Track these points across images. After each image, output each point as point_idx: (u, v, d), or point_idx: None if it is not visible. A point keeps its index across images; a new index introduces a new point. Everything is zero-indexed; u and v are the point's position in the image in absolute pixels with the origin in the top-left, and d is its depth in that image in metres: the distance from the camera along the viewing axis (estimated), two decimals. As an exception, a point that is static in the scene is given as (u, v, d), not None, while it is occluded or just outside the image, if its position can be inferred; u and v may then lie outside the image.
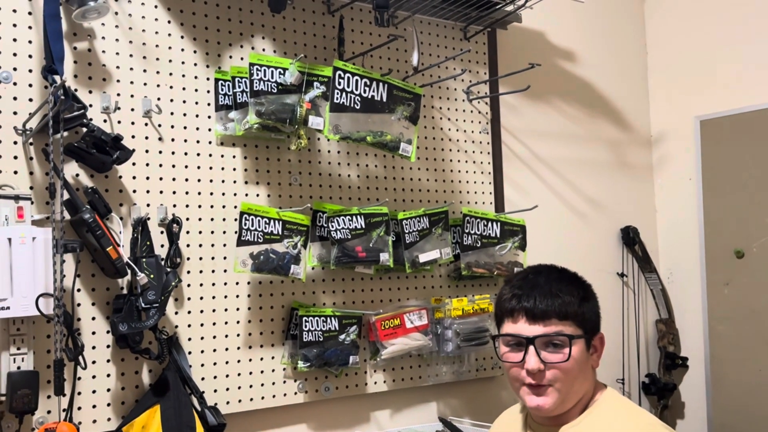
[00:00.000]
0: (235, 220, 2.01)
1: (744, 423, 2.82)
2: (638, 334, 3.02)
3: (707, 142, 2.98)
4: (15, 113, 1.74)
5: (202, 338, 1.96)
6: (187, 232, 1.96)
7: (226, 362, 1.99)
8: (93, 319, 1.81)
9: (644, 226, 3.07)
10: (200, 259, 1.97)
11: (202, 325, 1.96)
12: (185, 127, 1.98)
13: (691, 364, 3.01)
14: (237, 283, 2.03)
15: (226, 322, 2.00)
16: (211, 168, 2.01)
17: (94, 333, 1.81)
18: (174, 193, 1.94)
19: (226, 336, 2.00)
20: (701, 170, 2.98)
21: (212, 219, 2.00)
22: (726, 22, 2.95)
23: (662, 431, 1.39)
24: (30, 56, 1.77)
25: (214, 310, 1.98)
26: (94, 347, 1.80)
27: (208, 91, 2.02)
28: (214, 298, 1.99)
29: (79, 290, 1.78)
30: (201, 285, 1.97)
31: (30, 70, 1.77)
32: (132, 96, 1.90)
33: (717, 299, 2.92)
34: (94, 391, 1.80)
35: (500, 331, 1.50)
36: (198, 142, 1.99)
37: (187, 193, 1.96)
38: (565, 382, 1.42)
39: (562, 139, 2.86)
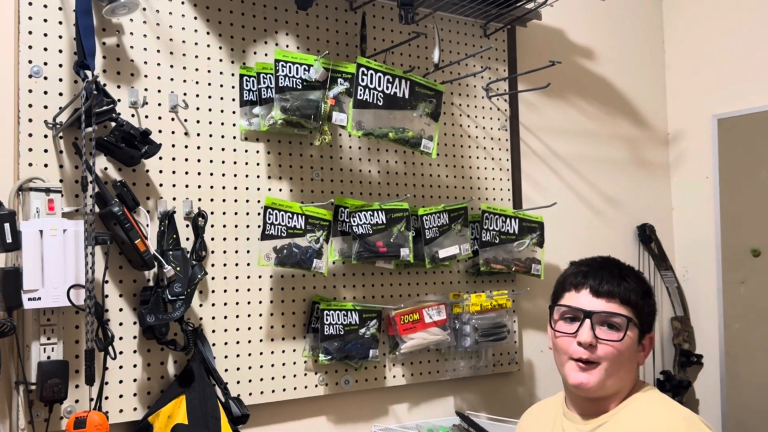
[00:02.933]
0: (259, 214, 2.04)
1: (758, 420, 2.83)
2: (653, 332, 3.03)
3: (724, 141, 2.98)
4: (45, 107, 1.77)
5: (225, 330, 1.99)
6: (212, 226, 1.98)
7: (249, 354, 2.02)
8: (120, 310, 1.84)
9: (661, 223, 3.08)
10: (224, 252, 2.00)
11: (225, 317, 1.99)
12: (210, 122, 2.01)
13: (706, 362, 3.02)
14: (260, 277, 2.06)
15: (249, 315, 2.03)
16: (235, 163, 2.04)
17: (121, 324, 1.84)
18: (199, 187, 1.97)
19: (249, 328, 2.03)
20: (718, 169, 2.99)
21: (236, 213, 2.03)
22: (744, 20, 2.95)
23: (700, 424, 1.40)
24: (60, 51, 1.80)
25: (237, 303, 2.01)
26: (121, 338, 1.83)
27: (233, 87, 2.05)
28: (237, 291, 2.02)
29: (107, 282, 1.81)
30: (225, 278, 2.00)
31: (60, 65, 1.79)
32: (159, 91, 1.93)
33: (733, 297, 2.93)
34: (120, 381, 1.83)
35: (558, 303, 1.54)
36: (223, 137, 2.02)
37: (212, 187, 1.99)
38: (614, 362, 1.43)
39: (579, 137, 2.88)
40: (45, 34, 1.78)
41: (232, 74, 2.05)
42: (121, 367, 1.83)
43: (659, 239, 3.04)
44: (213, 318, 1.97)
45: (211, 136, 2.00)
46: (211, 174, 1.99)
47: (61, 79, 1.79)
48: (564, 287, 1.54)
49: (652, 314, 1.54)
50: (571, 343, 1.46)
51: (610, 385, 1.46)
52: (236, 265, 2.02)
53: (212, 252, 1.98)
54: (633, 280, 1.50)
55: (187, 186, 1.95)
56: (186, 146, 1.96)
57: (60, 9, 1.80)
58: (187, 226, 1.94)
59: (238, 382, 1.99)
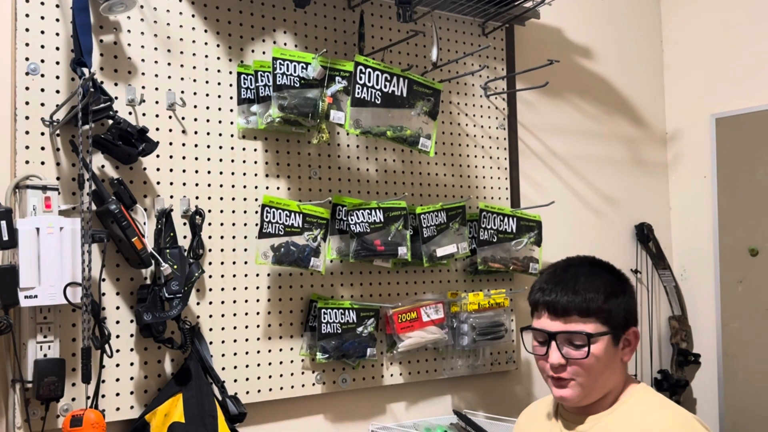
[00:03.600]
0: (256, 212, 2.03)
1: (756, 420, 2.83)
2: (651, 331, 3.04)
3: (722, 140, 2.98)
4: (42, 105, 1.76)
5: (223, 329, 1.98)
6: (209, 224, 1.98)
7: (246, 353, 2.02)
8: (117, 308, 1.83)
9: (658, 223, 3.08)
10: (222, 250, 2.00)
11: (223, 315, 1.99)
12: (208, 120, 2.00)
13: (704, 361, 3.02)
14: (257, 275, 2.05)
15: (246, 313, 2.03)
16: (233, 161, 2.03)
17: (118, 322, 1.83)
18: (197, 185, 1.97)
19: (247, 327, 2.03)
20: (716, 168, 2.99)
21: (234, 211, 2.03)
22: (742, 19, 2.96)
23: (696, 424, 1.40)
24: (57, 48, 1.79)
25: (234, 301, 2.01)
26: (118, 336, 1.82)
27: (231, 85, 2.04)
28: (235, 289, 2.01)
29: (104, 280, 1.81)
30: (222, 276, 1.99)
31: (57, 63, 1.79)
32: (156, 89, 1.92)
33: (730, 297, 2.93)
34: (117, 380, 1.82)
35: (525, 328, 1.53)
36: (220, 135, 2.02)
37: (209, 185, 1.99)
38: (587, 377, 1.44)
39: (577, 136, 2.88)
40: (42, 32, 1.78)
41: (230, 72, 2.04)
42: (117, 365, 1.82)
43: (657, 238, 3.04)
44: (210, 316, 1.97)
45: (208, 134, 2.00)
46: (209, 172, 1.99)
47: (58, 77, 1.79)
48: (531, 306, 1.53)
49: (628, 311, 1.48)
50: (546, 363, 1.47)
51: (594, 393, 1.46)
52: (233, 263, 2.01)
53: (209, 250, 1.98)
54: (591, 289, 1.45)
55: (184, 184, 1.95)
56: (183, 144, 1.96)
57: (57, 6, 1.80)
58: (185, 224, 1.94)
59: (236, 381, 1.99)
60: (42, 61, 1.77)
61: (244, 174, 2.05)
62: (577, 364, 1.43)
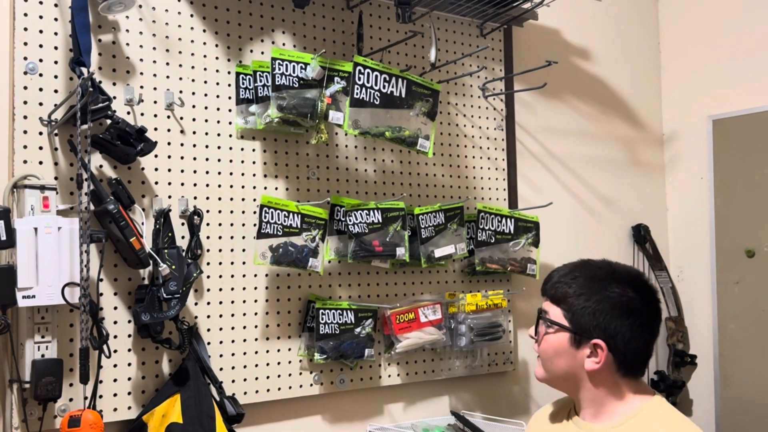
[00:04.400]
0: (255, 212, 2.03)
1: (752, 421, 2.84)
2: (648, 332, 3.04)
3: (719, 142, 2.99)
4: (40, 104, 1.76)
5: (220, 329, 1.98)
6: (207, 224, 1.98)
7: (244, 353, 2.01)
8: (115, 308, 1.83)
9: (655, 224, 3.09)
10: (220, 251, 1.99)
11: (221, 316, 1.98)
12: (206, 120, 2.00)
13: (700, 362, 3.03)
14: (255, 276, 2.05)
15: (244, 314, 2.02)
16: (231, 161, 2.03)
17: (115, 322, 1.83)
18: (195, 185, 1.96)
19: (245, 327, 2.02)
20: (713, 169, 3.00)
21: (232, 211, 2.02)
22: (740, 21, 2.96)
23: None
24: (56, 48, 1.79)
25: (232, 302, 2.01)
26: (115, 336, 1.82)
27: (229, 85, 2.04)
28: (233, 289, 2.01)
29: (101, 280, 1.80)
30: (220, 277, 1.99)
31: (56, 62, 1.78)
32: (155, 89, 1.92)
33: (727, 298, 2.94)
34: (115, 380, 1.82)
35: None
36: (219, 135, 2.01)
37: (207, 185, 1.98)
38: (543, 358, 1.56)
39: (575, 137, 2.88)
40: (40, 31, 1.77)
41: (229, 72, 2.04)
42: (115, 365, 1.82)
43: (654, 239, 3.05)
44: (208, 317, 1.97)
45: (207, 134, 2.00)
46: (207, 172, 1.99)
47: (56, 76, 1.78)
48: None
49: (596, 318, 1.46)
50: None
51: (554, 381, 1.56)
52: (232, 263, 2.01)
53: (208, 250, 1.97)
54: (574, 282, 1.52)
55: (182, 184, 1.95)
56: (182, 144, 1.95)
57: (56, 5, 1.79)
58: (183, 224, 1.94)
59: (233, 381, 1.99)
60: (40, 60, 1.76)
61: (243, 174, 2.05)
62: (537, 343, 1.57)
